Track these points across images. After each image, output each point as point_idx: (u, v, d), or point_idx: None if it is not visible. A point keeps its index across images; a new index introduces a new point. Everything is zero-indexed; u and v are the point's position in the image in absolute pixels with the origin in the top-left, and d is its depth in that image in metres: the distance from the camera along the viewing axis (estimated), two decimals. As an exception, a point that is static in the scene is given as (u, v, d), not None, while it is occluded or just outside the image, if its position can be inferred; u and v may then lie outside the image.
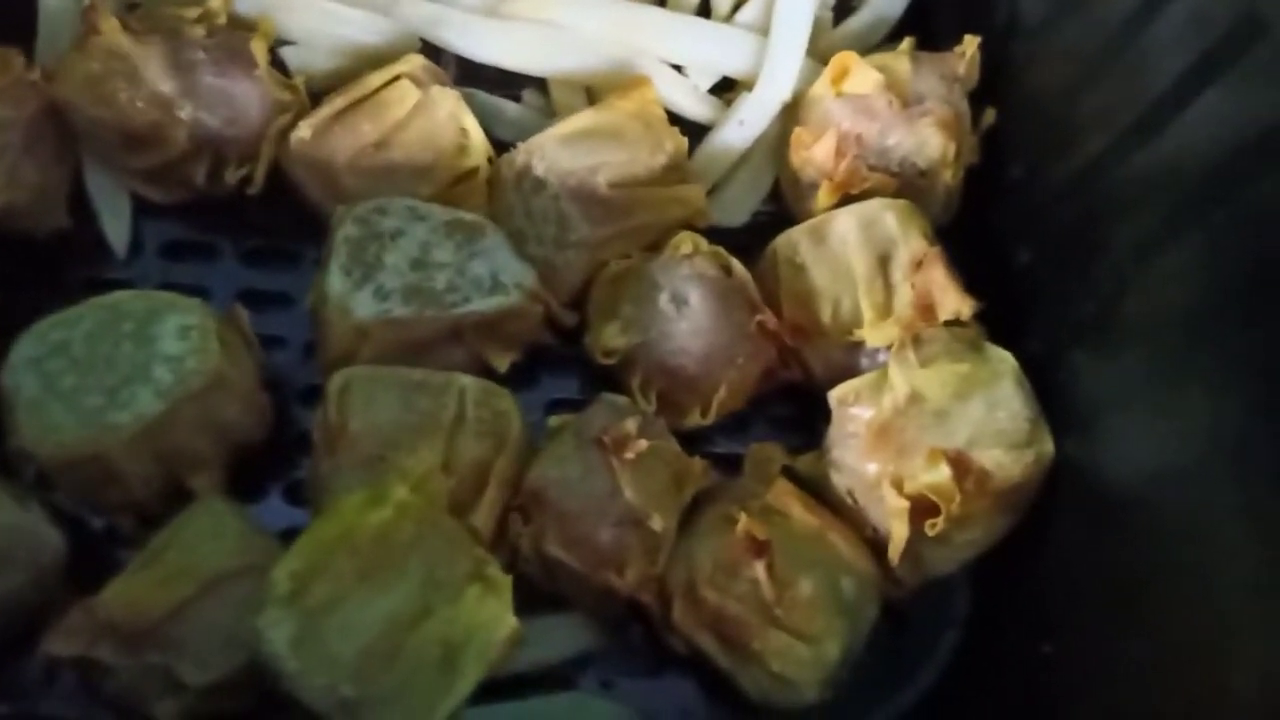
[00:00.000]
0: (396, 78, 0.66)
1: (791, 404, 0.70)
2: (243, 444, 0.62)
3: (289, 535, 0.58)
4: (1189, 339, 0.54)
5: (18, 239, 0.67)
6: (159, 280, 0.70)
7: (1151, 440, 0.56)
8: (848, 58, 0.67)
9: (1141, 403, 0.57)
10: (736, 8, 0.75)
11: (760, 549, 0.57)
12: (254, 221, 0.71)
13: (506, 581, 0.53)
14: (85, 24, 0.63)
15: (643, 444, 0.57)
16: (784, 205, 0.74)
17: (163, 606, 0.53)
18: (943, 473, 0.58)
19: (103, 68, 0.63)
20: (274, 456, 0.66)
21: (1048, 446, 0.60)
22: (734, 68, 0.73)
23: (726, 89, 0.75)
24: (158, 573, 0.55)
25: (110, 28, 0.62)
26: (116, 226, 0.69)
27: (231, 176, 0.66)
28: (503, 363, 0.65)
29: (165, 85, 0.63)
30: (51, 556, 0.58)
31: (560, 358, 0.69)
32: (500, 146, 0.72)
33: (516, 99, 0.75)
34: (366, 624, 0.49)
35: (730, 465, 0.67)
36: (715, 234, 0.71)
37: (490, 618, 0.51)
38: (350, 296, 0.60)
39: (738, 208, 0.72)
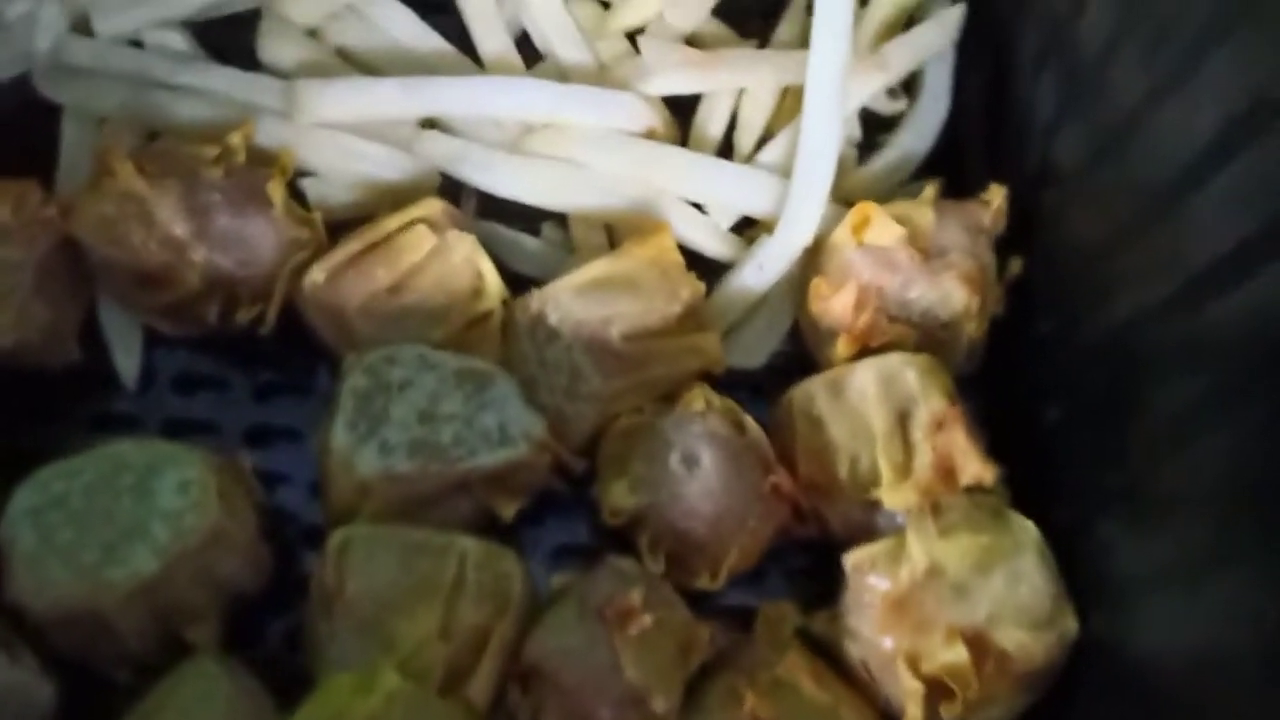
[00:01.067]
0: (413, 222, 0.65)
1: (809, 555, 0.68)
2: (241, 594, 0.61)
3: (286, 685, 0.57)
4: (1229, 517, 0.51)
5: (26, 372, 0.67)
6: (168, 415, 0.70)
7: (1185, 624, 0.53)
8: (869, 208, 0.66)
9: (1175, 583, 0.54)
10: (759, 146, 0.74)
11: (767, 730, 0.55)
12: (266, 354, 0.70)
13: None
14: (99, 165, 0.63)
15: (647, 620, 0.55)
16: (803, 345, 0.72)
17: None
18: (961, 654, 0.56)
19: (116, 209, 0.63)
20: (275, 601, 0.64)
21: (1071, 625, 0.58)
22: (755, 209, 0.72)
23: (748, 226, 0.74)
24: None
25: (125, 170, 0.62)
26: (127, 360, 0.69)
27: (244, 316, 0.66)
28: (509, 510, 0.63)
29: (178, 228, 0.63)
30: (41, 713, 0.56)
31: (570, 500, 0.68)
32: (519, 281, 0.72)
33: (536, 233, 0.74)
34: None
35: (743, 618, 0.64)
36: (733, 374, 0.70)
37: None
38: (354, 452, 0.59)
39: (755, 350, 0.71)
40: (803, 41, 0.70)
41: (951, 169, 0.75)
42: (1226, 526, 0.50)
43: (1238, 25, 0.50)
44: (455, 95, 0.71)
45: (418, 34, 0.76)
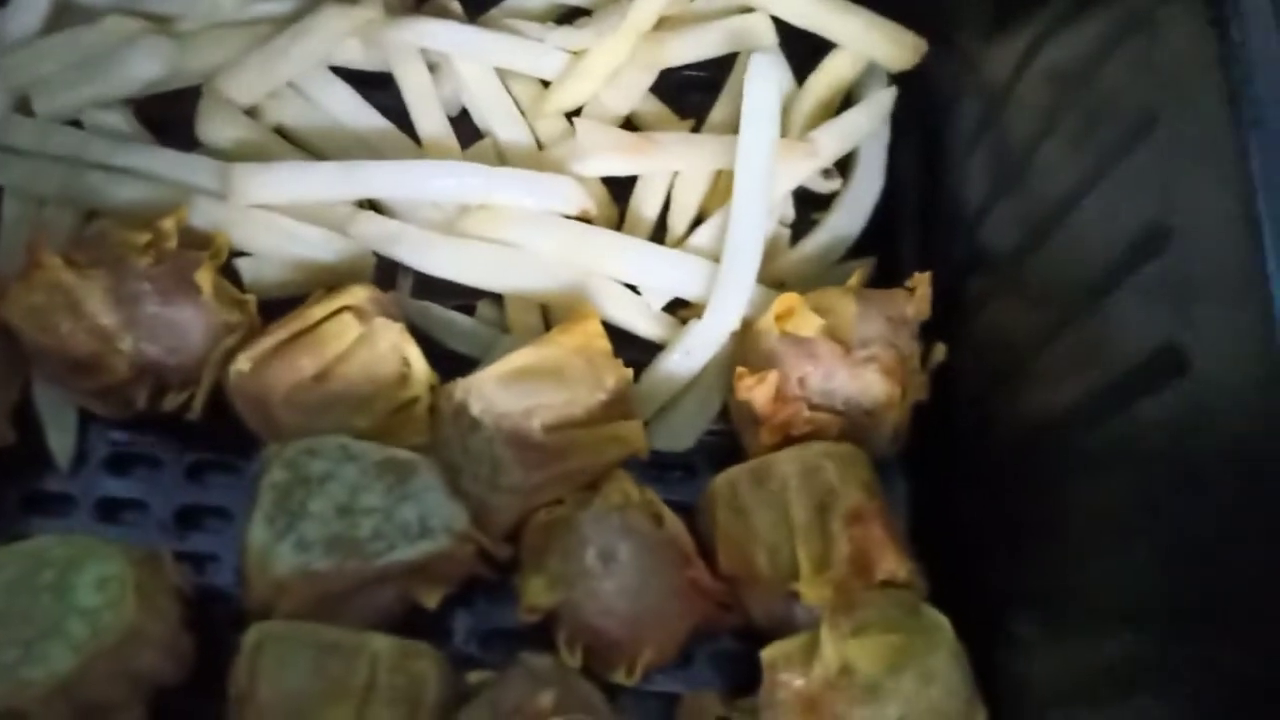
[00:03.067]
0: (340, 309, 0.66)
1: (735, 637, 0.68)
2: (163, 685, 0.61)
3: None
4: (1144, 634, 0.50)
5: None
6: (101, 494, 0.70)
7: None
8: (792, 299, 0.66)
9: (1088, 696, 0.54)
10: (693, 227, 0.75)
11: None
12: (198, 433, 0.71)
13: None
14: (28, 256, 0.64)
15: (556, 724, 0.55)
16: (732, 423, 0.73)
17: None
18: (870, 755, 0.56)
19: (45, 300, 0.64)
20: (201, 687, 0.64)
21: (983, 725, 0.58)
22: (686, 291, 0.72)
23: (681, 305, 0.75)
24: None
25: (53, 263, 0.63)
26: (61, 440, 0.70)
27: (172, 402, 0.66)
28: (432, 599, 0.64)
29: (107, 318, 0.64)
30: None
31: (497, 582, 0.68)
32: (453, 358, 0.73)
33: (471, 310, 0.75)
34: None
35: (666, 704, 0.65)
36: (663, 453, 0.71)
37: None
38: (271, 550, 0.59)
39: (684, 433, 0.72)
40: (736, 124, 0.71)
41: (884, 248, 0.76)
42: (1147, 642, 0.50)
43: (1159, 122, 0.50)
44: (389, 178, 0.71)
45: (357, 111, 0.77)
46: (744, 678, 0.66)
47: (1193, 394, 0.46)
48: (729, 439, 0.73)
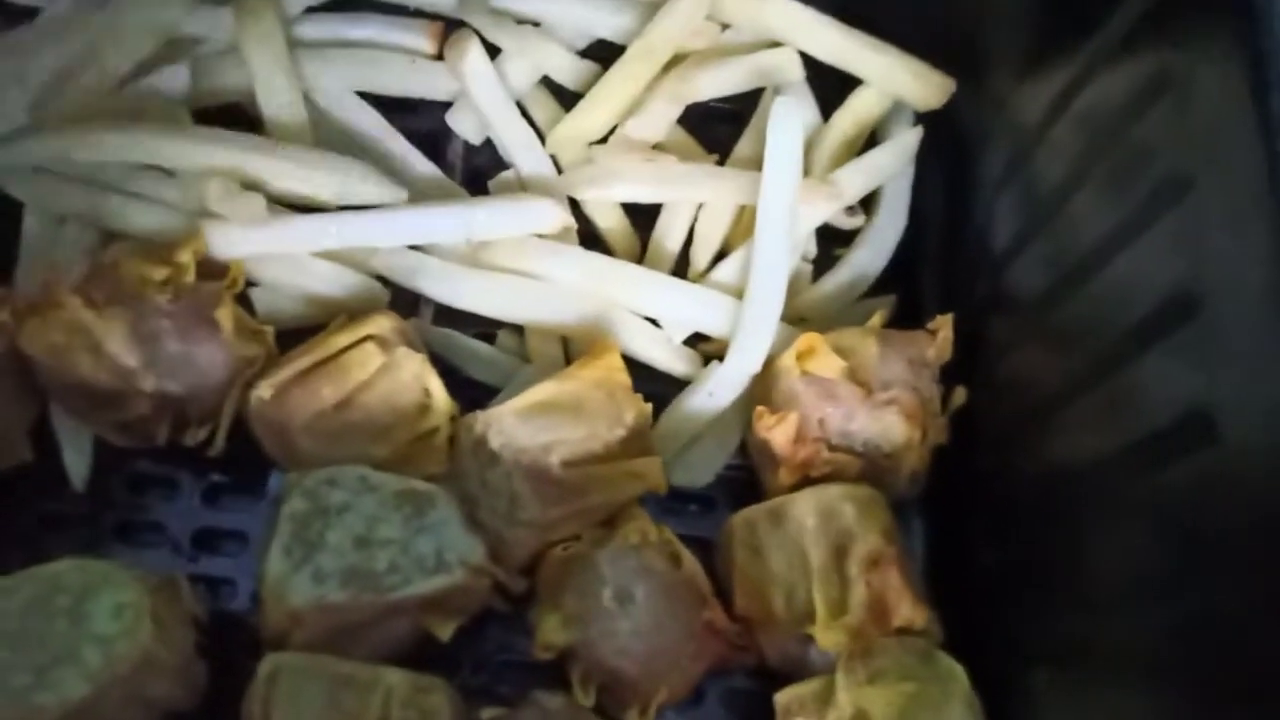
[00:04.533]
0: (362, 339, 0.66)
1: (748, 676, 0.68)
2: (175, 712, 0.61)
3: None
4: (1164, 700, 0.50)
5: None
6: (118, 516, 0.70)
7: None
8: (814, 339, 0.66)
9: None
10: (716, 261, 0.75)
11: None
12: (216, 457, 0.71)
13: None
14: (46, 295, 0.63)
15: (567, 764, 0.55)
16: (751, 460, 0.73)
17: None
18: (882, 807, 0.56)
19: (65, 339, 0.63)
20: (214, 714, 0.64)
21: (996, 778, 0.58)
22: (708, 327, 0.72)
23: (701, 339, 0.74)
24: None
25: (71, 303, 0.63)
26: (78, 462, 0.69)
27: (192, 437, 0.66)
28: (446, 631, 0.64)
29: (128, 358, 0.63)
30: None
31: (512, 615, 0.68)
32: (473, 387, 0.72)
33: (492, 338, 0.75)
34: None
35: (679, 743, 0.65)
36: (681, 489, 0.71)
37: None
38: (287, 580, 0.59)
39: (703, 470, 0.71)
40: (761, 159, 0.71)
41: (906, 286, 0.76)
42: (1166, 711, 0.50)
43: (1194, 186, 0.49)
44: (364, 228, 0.70)
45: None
46: (756, 718, 0.66)
47: (1221, 460, 0.46)
48: (747, 474, 0.72)
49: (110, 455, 0.71)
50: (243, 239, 0.68)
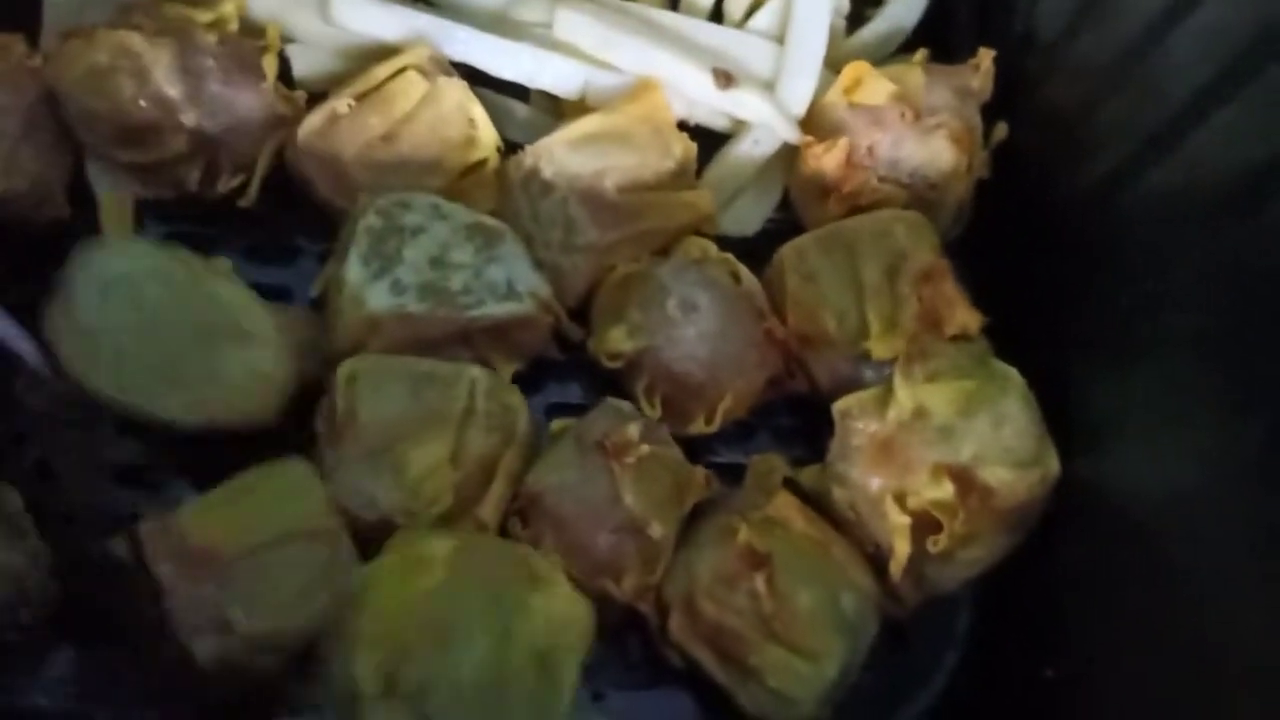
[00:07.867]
0: (403, 69, 0.65)
1: (796, 415, 0.69)
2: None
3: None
4: (1203, 358, 0.53)
5: (16, 227, 0.66)
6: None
7: (1162, 461, 0.55)
8: (861, 68, 0.67)
9: (1152, 422, 0.56)
10: (750, 14, 0.74)
11: (760, 562, 0.56)
12: (255, 216, 0.70)
13: (555, 567, 0.53)
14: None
15: (645, 449, 0.56)
16: (794, 213, 0.73)
17: (236, 546, 0.52)
18: (946, 489, 0.57)
19: (109, 61, 0.62)
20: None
21: (1054, 465, 0.60)
22: (751, 71, 0.72)
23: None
24: (237, 513, 0.54)
25: (117, 32, 0.61)
26: (117, 219, 0.68)
27: (225, 185, 0.66)
28: (507, 370, 0.64)
29: (172, 89, 0.62)
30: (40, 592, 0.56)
31: (564, 364, 0.68)
32: (509, 147, 0.72)
33: (525, 99, 0.74)
34: (465, 683, 0.49)
35: (732, 475, 0.66)
36: (724, 242, 0.71)
37: (561, 611, 0.52)
38: (366, 287, 0.59)
39: (749, 218, 0.72)
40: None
41: (939, 39, 0.76)
42: (1199, 368, 0.53)
43: None
44: (467, 47, 0.69)
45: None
46: (804, 453, 0.67)
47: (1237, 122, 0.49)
48: (789, 227, 0.73)
49: (148, 218, 0.70)
50: (369, 17, 0.67)
